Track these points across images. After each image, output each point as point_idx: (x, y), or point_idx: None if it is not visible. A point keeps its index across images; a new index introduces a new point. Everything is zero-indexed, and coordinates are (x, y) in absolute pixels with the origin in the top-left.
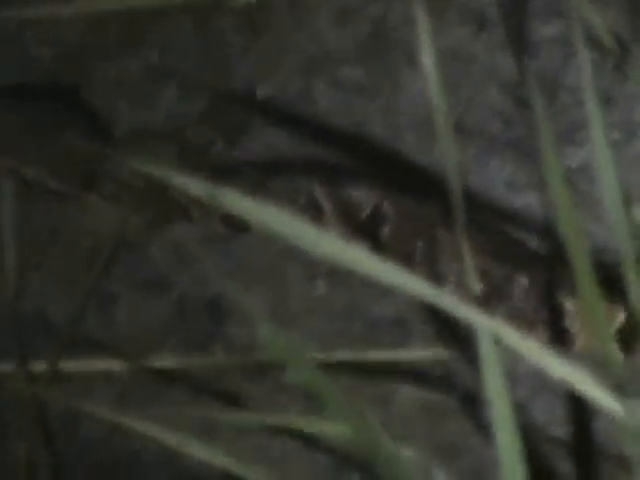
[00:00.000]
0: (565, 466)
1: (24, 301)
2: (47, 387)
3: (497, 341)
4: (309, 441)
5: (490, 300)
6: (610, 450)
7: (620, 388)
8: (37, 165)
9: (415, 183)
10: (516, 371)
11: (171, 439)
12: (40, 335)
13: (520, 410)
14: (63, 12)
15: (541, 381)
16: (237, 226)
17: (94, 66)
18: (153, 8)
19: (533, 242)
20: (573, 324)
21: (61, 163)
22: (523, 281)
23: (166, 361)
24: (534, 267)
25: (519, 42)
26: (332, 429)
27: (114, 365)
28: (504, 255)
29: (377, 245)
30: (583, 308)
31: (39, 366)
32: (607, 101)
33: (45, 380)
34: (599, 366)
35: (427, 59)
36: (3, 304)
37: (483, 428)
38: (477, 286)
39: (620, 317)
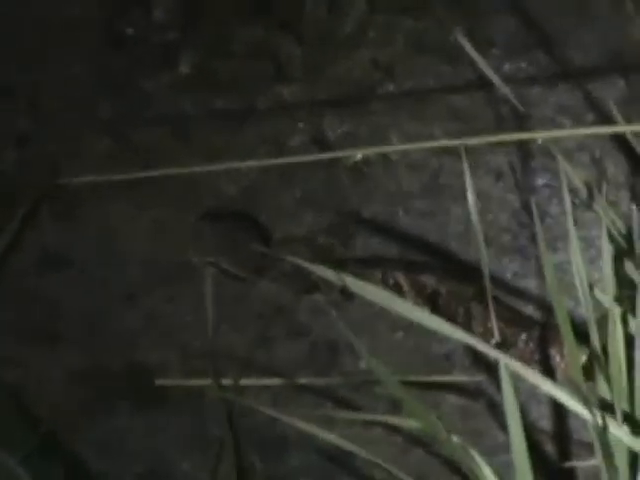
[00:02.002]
0: (550, 448)
1: (219, 343)
2: (232, 395)
3: (510, 371)
4: (393, 429)
5: (504, 347)
6: (579, 437)
7: (585, 400)
8: (227, 259)
9: (459, 273)
10: (522, 389)
11: (310, 428)
12: (226, 361)
13: (524, 412)
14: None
15: (537, 394)
16: (349, 296)
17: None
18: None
19: (531, 311)
20: (556, 362)
21: (241, 258)
22: (524, 336)
23: (307, 380)
24: (532, 328)
25: (525, 190)
26: (408, 423)
27: (273, 382)
28: (512, 320)
29: (435, 310)
30: (566, 352)
31: (226, 382)
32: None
33: (231, 391)
34: (572, 386)
35: (471, 197)
36: (204, 344)
37: (502, 425)
38: (496, 337)
39: (584, 357)
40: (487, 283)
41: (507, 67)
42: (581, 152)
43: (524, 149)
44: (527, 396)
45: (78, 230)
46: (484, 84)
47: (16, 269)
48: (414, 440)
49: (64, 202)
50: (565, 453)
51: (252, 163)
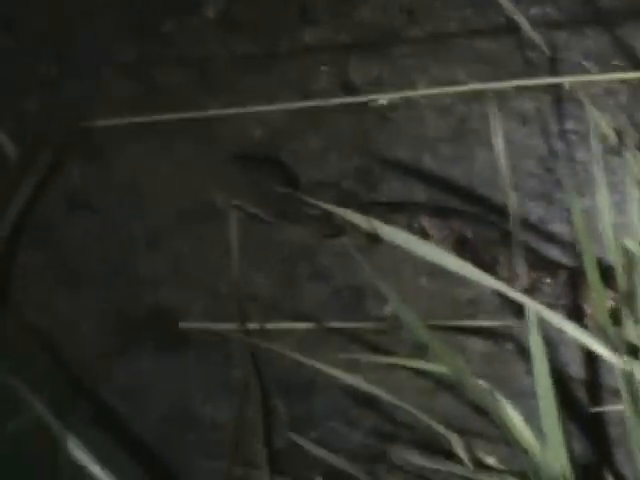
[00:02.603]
0: (577, 393)
1: (244, 286)
2: (257, 339)
3: (537, 315)
4: (418, 373)
5: (530, 291)
6: (606, 383)
7: (612, 344)
8: (253, 202)
9: (486, 218)
10: (550, 334)
11: (335, 372)
12: (251, 305)
13: (551, 357)
14: None
15: (564, 339)
16: (374, 240)
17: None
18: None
19: (557, 256)
20: (583, 307)
21: (266, 201)
22: (550, 280)
23: (332, 324)
24: (558, 272)
25: (552, 135)
26: (433, 366)
27: (299, 326)
28: (539, 264)
29: (461, 255)
30: (593, 296)
31: (252, 325)
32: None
33: (256, 335)
34: (599, 331)
35: (498, 142)
36: (229, 288)
37: (528, 369)
38: (524, 282)
39: (611, 302)
40: (514, 228)
41: (534, 11)
42: (609, 98)
43: (551, 94)
44: (554, 341)
45: (103, 174)
46: (511, 28)
47: (41, 213)
48: (440, 384)
49: (88, 146)
50: (593, 398)
51: (277, 107)
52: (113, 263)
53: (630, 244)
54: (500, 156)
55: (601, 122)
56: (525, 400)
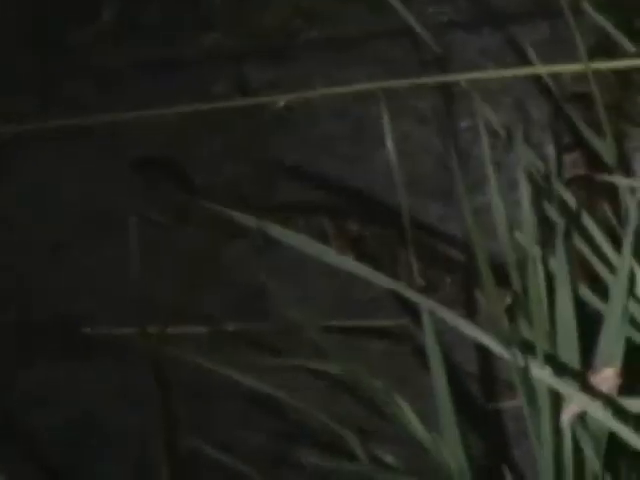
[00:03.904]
0: (475, 391)
1: (145, 291)
2: (158, 344)
3: (432, 314)
4: (318, 374)
5: (428, 290)
6: (503, 379)
7: (506, 341)
8: (152, 207)
9: (384, 218)
10: (449, 332)
11: (236, 375)
12: (152, 310)
13: (450, 355)
14: None
15: (463, 337)
16: (273, 242)
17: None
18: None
19: (455, 255)
20: (480, 304)
21: (165, 206)
22: (448, 279)
23: (233, 327)
24: (455, 271)
25: (449, 134)
26: (331, 367)
27: (199, 330)
28: (436, 263)
29: (361, 255)
30: (486, 294)
31: (153, 330)
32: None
33: (157, 339)
34: (494, 328)
35: (390, 141)
36: (129, 294)
37: (426, 367)
38: (420, 281)
39: (507, 299)
40: (407, 227)
41: (430, 11)
42: (503, 95)
43: (447, 93)
44: (453, 339)
45: (3, 182)
46: (407, 29)
47: None
48: (339, 385)
49: None
50: (491, 395)
51: (174, 109)
52: (15, 271)
53: (522, 239)
54: (393, 156)
55: (494, 119)
56: (424, 399)
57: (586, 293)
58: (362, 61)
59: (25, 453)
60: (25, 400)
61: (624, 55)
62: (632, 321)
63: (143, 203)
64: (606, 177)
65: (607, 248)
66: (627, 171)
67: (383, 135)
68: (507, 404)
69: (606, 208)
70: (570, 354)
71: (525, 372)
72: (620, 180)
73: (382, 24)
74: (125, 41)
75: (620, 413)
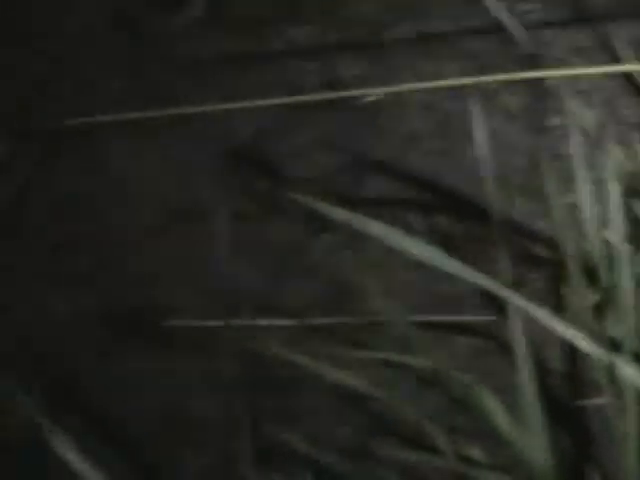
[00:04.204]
0: (561, 388)
1: (232, 283)
2: (246, 336)
3: (519, 310)
4: (404, 369)
5: (515, 287)
6: (590, 377)
7: (594, 339)
8: (240, 199)
9: (472, 214)
10: (534, 329)
11: (322, 368)
12: (239, 302)
13: (536, 351)
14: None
15: (548, 334)
16: (361, 236)
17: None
18: None
19: (542, 251)
20: (567, 301)
21: (254, 198)
22: (535, 276)
23: (320, 320)
24: (543, 268)
25: (538, 130)
26: (417, 361)
27: (286, 323)
28: (524, 260)
29: (448, 251)
30: (574, 291)
31: (239, 322)
32: (587, 164)
33: (244, 331)
34: (582, 326)
35: (480, 137)
36: (216, 285)
37: (512, 363)
38: (508, 277)
39: (595, 297)
40: (497, 223)
41: (520, 8)
42: (594, 93)
43: (537, 90)
44: (538, 336)
45: (92, 171)
46: (497, 26)
47: (29, 211)
48: (425, 380)
49: (79, 142)
50: (576, 393)
51: (265, 102)
52: (100, 261)
53: (612, 237)
54: (483, 152)
55: (585, 117)
56: (509, 394)
57: None
58: (452, 56)
59: (109, 444)
60: (109, 392)
61: None
62: None
63: (231, 195)
64: None
65: None
66: None
67: (471, 131)
68: (593, 402)
69: None
70: None
71: (612, 370)
72: None
73: (472, 20)
74: (214, 32)
75: None
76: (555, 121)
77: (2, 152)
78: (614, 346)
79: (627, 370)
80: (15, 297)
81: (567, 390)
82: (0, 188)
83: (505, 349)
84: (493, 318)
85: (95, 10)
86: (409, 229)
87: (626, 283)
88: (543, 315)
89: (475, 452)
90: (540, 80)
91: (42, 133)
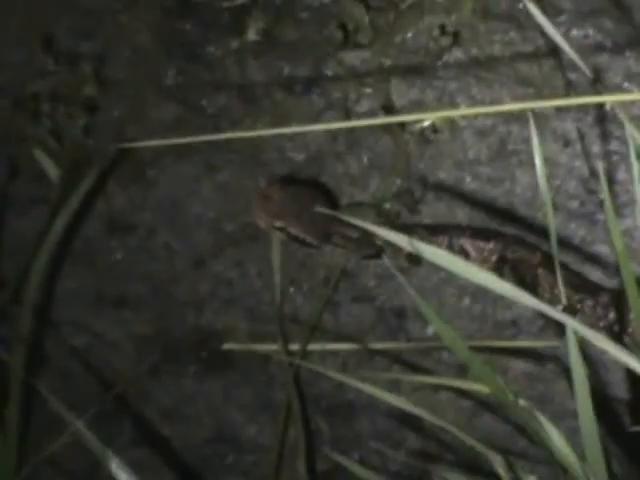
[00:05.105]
0: (620, 413)
1: (286, 308)
2: (299, 360)
3: (579, 335)
4: (460, 393)
5: (571, 312)
6: None
7: None
8: (295, 224)
9: (526, 239)
10: (592, 354)
11: (378, 393)
12: (293, 326)
13: (593, 377)
14: None
15: (606, 360)
16: (415, 261)
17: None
18: None
19: (598, 277)
20: (624, 327)
21: (308, 223)
22: (590, 302)
23: (374, 345)
24: (599, 293)
25: (594, 156)
26: (476, 387)
27: (340, 347)
28: (579, 285)
29: (503, 276)
30: (634, 316)
31: (294, 346)
32: None
33: (298, 356)
34: None
35: (538, 163)
36: (270, 309)
37: (570, 390)
38: (563, 303)
39: None
40: (554, 249)
41: (575, 33)
42: None
43: (592, 115)
44: (596, 361)
45: (145, 195)
46: (552, 51)
47: (84, 235)
48: (481, 405)
49: (131, 167)
50: (636, 418)
51: (319, 127)
52: (156, 284)
53: None
54: (541, 177)
55: (638, 142)
56: (567, 420)
57: None
58: (506, 81)
59: (161, 464)
60: (163, 413)
61: None
62: None
63: (285, 220)
64: None
65: None
66: None
67: (526, 156)
68: None
69: None
70: None
71: None
72: None
73: (527, 44)
74: (268, 56)
75: None
76: (611, 146)
77: (56, 176)
78: None
79: None
80: (66, 317)
81: (627, 416)
82: (54, 214)
83: (564, 374)
84: (551, 343)
85: (150, 34)
86: (465, 254)
87: None
88: (601, 340)
89: (532, 478)
90: (596, 105)
91: (96, 157)
